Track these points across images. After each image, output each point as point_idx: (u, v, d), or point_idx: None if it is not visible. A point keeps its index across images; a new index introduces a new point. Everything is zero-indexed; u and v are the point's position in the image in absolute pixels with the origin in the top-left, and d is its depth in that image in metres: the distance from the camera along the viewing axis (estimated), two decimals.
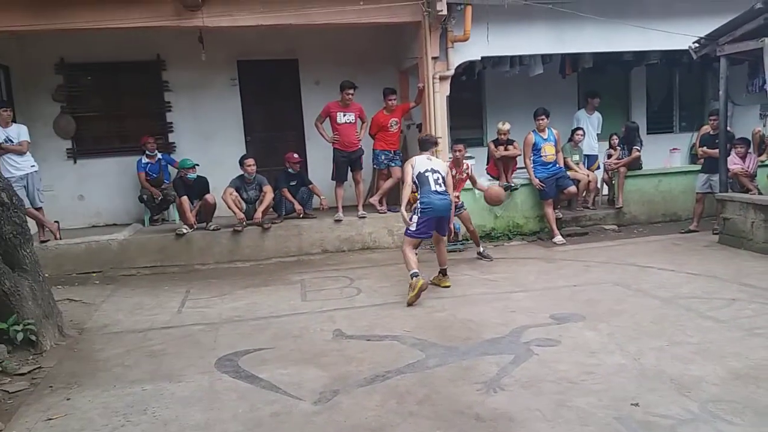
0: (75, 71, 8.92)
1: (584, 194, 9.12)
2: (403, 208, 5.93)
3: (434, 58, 8.03)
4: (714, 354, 4.04)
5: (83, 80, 9.05)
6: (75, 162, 9.05)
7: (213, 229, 7.96)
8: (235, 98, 9.39)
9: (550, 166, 8.33)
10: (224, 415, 3.53)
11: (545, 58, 9.09)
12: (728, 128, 8.22)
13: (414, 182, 5.89)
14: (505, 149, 8.57)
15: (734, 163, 7.97)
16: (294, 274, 7.08)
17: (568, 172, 8.63)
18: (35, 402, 3.85)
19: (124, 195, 9.07)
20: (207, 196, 8.01)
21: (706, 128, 8.66)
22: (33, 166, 7.47)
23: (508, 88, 9.85)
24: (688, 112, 11.39)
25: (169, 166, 8.85)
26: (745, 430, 3.08)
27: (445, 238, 6.44)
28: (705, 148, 8.34)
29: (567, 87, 10.41)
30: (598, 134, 9.70)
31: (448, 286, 6.11)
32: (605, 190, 9.69)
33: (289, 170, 8.34)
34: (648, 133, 10.69)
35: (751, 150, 8.32)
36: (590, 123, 9.58)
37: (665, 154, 10.28)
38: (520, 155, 8.58)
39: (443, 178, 5.93)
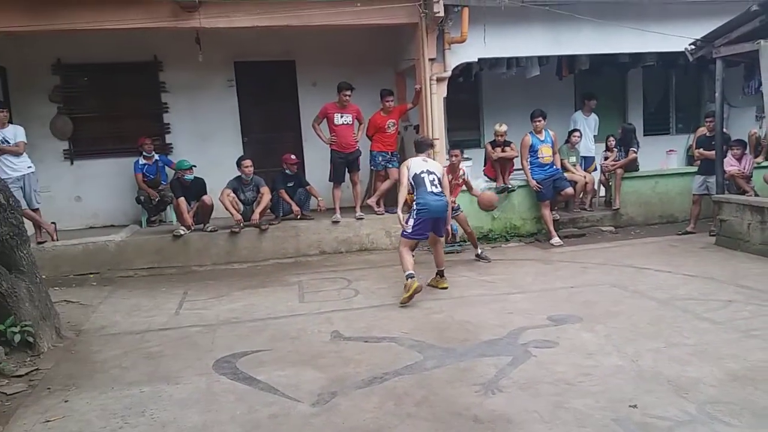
0: (72, 72, 8.90)
1: (581, 196, 9.14)
2: (399, 210, 5.93)
3: (431, 60, 8.04)
4: (711, 355, 4.06)
5: (80, 81, 9.03)
6: (72, 163, 9.03)
7: (210, 231, 7.95)
8: (233, 99, 9.38)
9: (547, 167, 8.34)
10: (222, 417, 3.53)
11: (542, 60, 9.10)
12: (724, 130, 8.25)
13: (410, 184, 5.91)
14: (502, 151, 8.59)
15: (730, 164, 8.00)
16: (291, 276, 7.08)
17: (565, 174, 8.65)
18: (33, 404, 3.84)
19: (122, 196, 9.05)
20: (204, 197, 8.00)
21: (703, 130, 8.69)
22: (30, 167, 7.46)
23: (505, 90, 9.87)
24: (684, 113, 11.43)
25: (166, 167, 8.84)
26: None
27: (443, 239, 6.44)
28: (701, 150, 8.37)
29: (564, 89, 10.43)
30: (594, 136, 9.71)
31: (446, 288, 6.11)
32: (602, 192, 9.71)
33: (287, 171, 8.34)
34: (645, 135, 10.72)
35: (747, 151, 8.35)
36: (587, 124, 9.59)
37: (662, 155, 10.31)
38: (517, 157, 8.60)
39: (439, 179, 5.94)
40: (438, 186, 5.89)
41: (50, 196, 8.51)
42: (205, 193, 8.05)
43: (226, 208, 7.86)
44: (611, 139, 9.42)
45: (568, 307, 5.34)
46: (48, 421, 3.59)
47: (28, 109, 8.63)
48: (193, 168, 8.07)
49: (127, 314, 5.82)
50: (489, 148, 8.72)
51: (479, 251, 7.36)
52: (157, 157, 8.71)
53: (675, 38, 8.16)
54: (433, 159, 6.65)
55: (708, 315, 4.91)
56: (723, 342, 4.31)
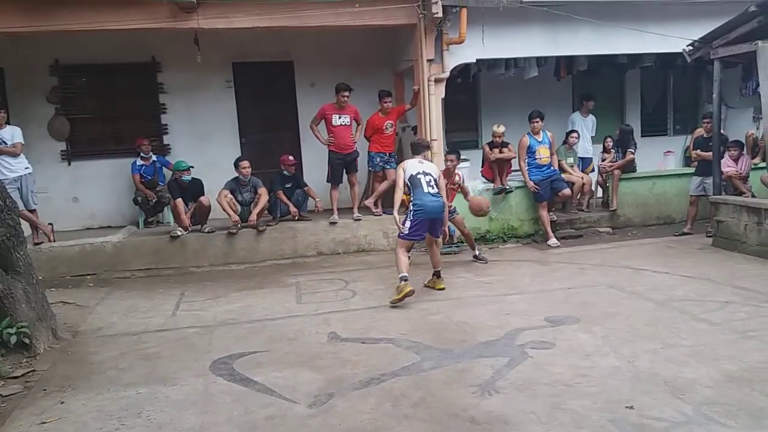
0: (70, 73, 8.88)
1: (579, 197, 9.15)
2: (395, 212, 5.94)
3: (429, 61, 8.03)
4: (708, 356, 4.06)
5: (78, 82, 9.01)
6: (69, 164, 9.01)
7: (208, 232, 7.94)
8: (231, 100, 9.38)
9: (545, 168, 8.35)
10: (219, 418, 3.53)
11: (540, 61, 9.10)
12: (722, 131, 8.28)
13: (406, 185, 5.92)
14: (500, 152, 8.59)
15: (728, 165, 8.01)
16: (289, 277, 7.07)
17: (563, 175, 8.65)
18: (29, 405, 3.83)
19: (119, 197, 9.04)
20: (202, 198, 8.00)
21: (700, 131, 8.69)
22: (27, 168, 7.45)
23: (503, 91, 9.87)
24: (682, 114, 11.44)
25: (163, 168, 8.82)
26: None
27: (440, 240, 6.45)
28: (699, 151, 8.38)
29: (562, 90, 10.44)
30: (592, 137, 9.73)
31: (443, 289, 6.11)
32: (599, 193, 9.73)
33: (285, 172, 8.33)
34: (642, 136, 10.72)
35: (744, 153, 8.36)
36: (585, 126, 9.60)
37: (659, 156, 10.31)
38: (514, 158, 8.60)
39: (435, 180, 5.96)
40: (434, 187, 5.91)
41: (47, 197, 8.49)
42: (203, 194, 8.05)
43: (224, 209, 7.86)
44: (609, 140, 9.43)
45: (566, 308, 5.34)
46: (44, 422, 3.58)
47: (25, 110, 8.62)
48: (191, 169, 8.06)
49: (124, 315, 5.81)
50: (487, 149, 8.73)
51: (477, 252, 7.36)
52: (154, 158, 8.70)
53: (673, 39, 8.18)
54: (430, 161, 6.65)
55: (705, 316, 4.91)
56: (720, 343, 4.31)
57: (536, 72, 9.14)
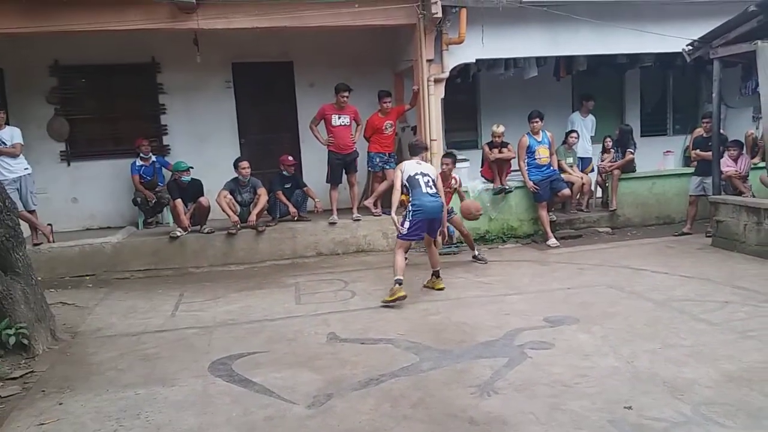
0: (69, 73, 8.88)
1: (578, 197, 9.14)
2: (393, 213, 5.94)
3: (429, 61, 8.03)
4: (707, 357, 4.06)
5: (77, 82, 9.01)
6: (68, 164, 9.01)
7: (207, 232, 7.94)
8: (230, 100, 9.38)
9: (545, 168, 8.34)
10: (218, 419, 3.53)
11: (540, 61, 9.10)
12: (721, 131, 8.28)
13: (405, 186, 5.92)
14: (500, 152, 8.58)
15: (727, 165, 8.01)
16: (288, 277, 7.07)
17: (562, 175, 8.65)
18: (27, 407, 3.83)
19: (118, 198, 9.04)
20: (201, 198, 8.00)
21: (700, 131, 8.69)
22: (26, 168, 7.45)
23: (503, 91, 9.87)
24: (681, 114, 11.43)
25: (163, 168, 8.82)
26: None
27: (439, 240, 6.46)
28: (698, 151, 8.37)
29: (561, 89, 10.44)
30: (592, 137, 9.72)
31: (442, 289, 6.12)
32: (599, 193, 9.72)
33: (284, 173, 8.33)
34: (642, 136, 10.72)
35: (744, 152, 8.36)
36: (584, 125, 9.60)
37: (659, 156, 10.31)
38: (514, 158, 8.60)
39: (433, 180, 5.98)
40: (433, 187, 5.92)
41: (47, 197, 8.49)
42: (202, 195, 8.05)
43: (223, 210, 7.85)
44: (608, 140, 9.43)
45: (565, 308, 5.34)
46: (42, 424, 3.58)
47: (25, 110, 8.62)
48: (190, 169, 8.06)
49: (123, 316, 5.81)
50: (486, 149, 8.72)
51: (476, 252, 7.36)
52: (154, 158, 8.70)
53: (672, 39, 8.17)
54: (429, 161, 6.65)
55: (704, 316, 4.91)
56: (719, 343, 4.31)
57: (536, 72, 9.15)
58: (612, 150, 9.29)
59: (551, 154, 8.44)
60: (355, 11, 7.51)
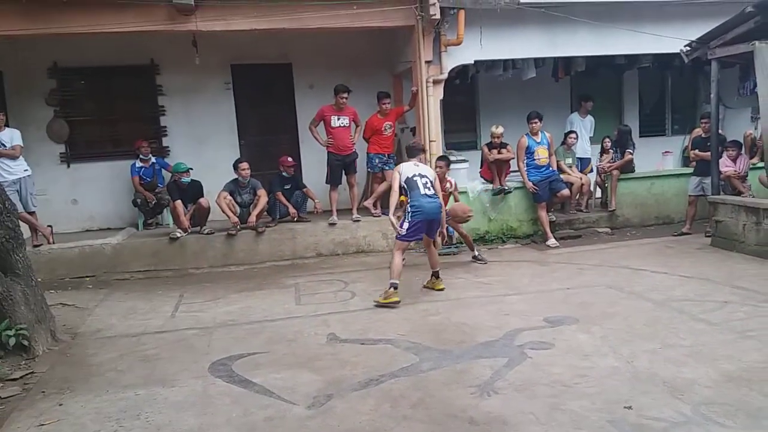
0: (68, 75, 8.89)
1: (577, 197, 9.15)
2: (391, 214, 5.95)
3: (428, 62, 8.05)
4: (706, 356, 4.06)
5: (77, 84, 9.02)
6: (68, 166, 9.01)
7: (207, 233, 7.95)
8: (229, 102, 9.39)
9: (544, 169, 8.35)
10: (218, 419, 3.53)
11: (538, 62, 9.13)
12: (720, 131, 8.29)
13: (403, 188, 5.93)
14: (499, 152, 8.59)
15: (726, 165, 8.02)
16: (288, 278, 7.08)
17: (561, 176, 8.66)
18: (27, 407, 3.83)
19: (118, 199, 9.05)
20: (201, 200, 8.00)
21: (698, 131, 8.71)
22: (26, 170, 7.45)
23: (502, 92, 9.88)
24: (680, 115, 11.45)
25: (162, 170, 8.83)
26: None
27: (439, 240, 6.47)
28: (697, 151, 8.39)
29: (560, 90, 10.46)
30: (590, 137, 9.74)
31: (442, 289, 6.12)
32: (598, 193, 9.73)
33: (284, 174, 8.34)
34: (640, 136, 10.75)
35: (742, 152, 8.37)
36: (583, 126, 9.61)
37: (658, 157, 10.32)
38: (513, 158, 8.61)
39: (431, 182, 5.99)
40: (431, 188, 5.94)
41: (46, 199, 8.50)
42: (202, 196, 8.05)
43: (223, 211, 7.86)
44: (607, 140, 9.44)
45: (565, 308, 5.34)
46: (42, 424, 3.58)
47: (24, 112, 8.63)
48: (190, 171, 8.06)
49: (123, 317, 5.81)
50: (485, 150, 8.73)
51: (476, 253, 7.37)
52: (153, 159, 8.70)
53: (670, 40, 8.19)
54: (425, 164, 6.67)
55: (704, 316, 4.92)
56: (718, 343, 4.31)
57: (534, 73, 9.17)
58: (611, 150, 9.30)
59: (550, 155, 8.44)
60: (354, 13, 7.52)
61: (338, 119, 8.13)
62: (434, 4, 7.53)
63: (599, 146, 9.58)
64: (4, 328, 4.60)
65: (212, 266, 7.80)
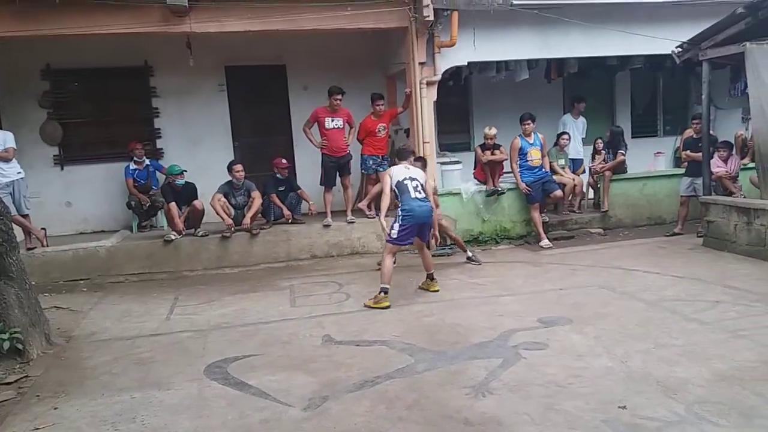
0: (61, 77, 8.86)
1: (570, 198, 9.20)
2: (382, 218, 5.95)
3: (421, 64, 8.06)
4: (699, 356, 4.10)
5: (70, 86, 8.98)
6: (62, 168, 8.98)
7: (201, 235, 7.94)
8: (223, 104, 9.38)
9: (537, 170, 8.39)
10: (213, 422, 3.53)
11: (531, 63, 9.16)
12: (711, 132, 8.34)
13: (394, 191, 5.94)
14: (492, 154, 8.62)
15: (717, 166, 8.08)
16: (283, 280, 7.08)
17: (554, 177, 8.70)
18: (22, 411, 3.83)
19: (112, 201, 9.02)
20: (195, 202, 7.99)
21: (690, 132, 8.77)
22: (19, 172, 7.42)
23: (495, 93, 9.92)
24: (672, 116, 11.53)
25: (157, 172, 8.82)
26: None
27: (433, 242, 6.47)
28: (688, 152, 8.44)
29: (552, 92, 10.50)
30: (583, 138, 9.78)
31: (437, 291, 6.14)
32: (591, 194, 9.78)
33: (278, 176, 8.34)
34: (633, 137, 10.80)
35: (733, 153, 8.44)
36: (576, 127, 9.65)
37: (650, 157, 10.38)
38: (506, 160, 8.63)
39: (422, 185, 5.99)
40: (421, 192, 5.93)
41: (40, 201, 8.47)
42: (196, 198, 8.04)
43: (217, 213, 7.86)
44: (599, 141, 9.48)
45: (558, 309, 5.37)
46: (37, 428, 3.57)
47: (17, 114, 8.59)
48: (184, 173, 8.05)
49: (118, 320, 5.80)
50: (479, 151, 8.75)
51: (470, 254, 7.39)
52: (147, 162, 8.69)
53: (662, 41, 8.24)
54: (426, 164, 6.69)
55: (696, 316, 4.96)
56: (711, 342, 4.35)
57: (527, 74, 9.21)
58: (603, 151, 9.34)
59: (543, 156, 8.48)
60: (348, 14, 7.53)
61: (332, 121, 8.14)
62: (428, 6, 7.55)
63: (591, 147, 9.62)
64: None
65: (207, 268, 7.79)
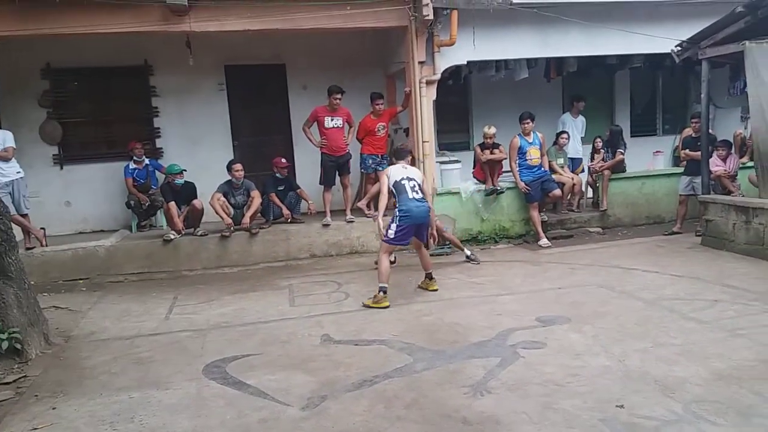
0: (61, 76, 8.85)
1: (569, 197, 9.20)
2: (379, 218, 5.95)
3: (421, 63, 8.06)
4: (697, 355, 4.10)
5: (70, 85, 8.96)
6: (61, 168, 8.98)
7: (201, 235, 7.94)
8: (223, 103, 9.38)
9: (536, 169, 8.39)
10: (212, 422, 3.54)
11: (530, 62, 9.16)
12: (710, 131, 8.34)
13: (391, 191, 5.94)
14: (491, 153, 8.62)
15: (716, 165, 8.08)
16: (282, 279, 7.08)
17: (553, 176, 8.70)
18: (20, 411, 3.83)
19: (111, 201, 9.02)
20: (194, 201, 7.99)
21: (689, 131, 8.77)
22: (18, 172, 7.43)
23: (494, 92, 9.93)
24: (671, 115, 11.53)
25: (156, 171, 8.82)
26: (728, 431, 3.13)
27: (431, 242, 6.47)
28: (687, 151, 8.44)
29: (552, 91, 10.50)
30: (582, 137, 9.78)
31: (436, 290, 6.15)
32: (590, 193, 9.78)
33: (277, 175, 8.34)
34: (632, 136, 10.81)
35: (732, 152, 8.44)
36: (575, 126, 9.65)
37: (649, 156, 10.38)
38: (506, 159, 8.64)
39: (419, 185, 5.99)
40: (419, 192, 5.93)
41: (39, 201, 8.47)
42: (196, 197, 8.04)
43: (217, 212, 7.86)
44: (598, 140, 9.48)
45: (557, 308, 5.38)
46: (35, 428, 3.58)
47: (17, 113, 8.59)
48: (184, 172, 8.05)
49: (117, 320, 5.81)
50: (478, 150, 8.76)
51: (468, 253, 7.39)
52: (147, 161, 8.69)
53: (662, 40, 8.24)
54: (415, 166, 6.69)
55: (694, 315, 4.96)
56: (709, 341, 4.36)
57: (526, 73, 9.21)
58: (602, 150, 9.34)
59: (542, 155, 8.48)
60: (347, 13, 7.52)
61: (332, 120, 8.13)
62: (427, 5, 7.55)
63: (591, 146, 9.63)
64: None
65: (206, 268, 7.80)
